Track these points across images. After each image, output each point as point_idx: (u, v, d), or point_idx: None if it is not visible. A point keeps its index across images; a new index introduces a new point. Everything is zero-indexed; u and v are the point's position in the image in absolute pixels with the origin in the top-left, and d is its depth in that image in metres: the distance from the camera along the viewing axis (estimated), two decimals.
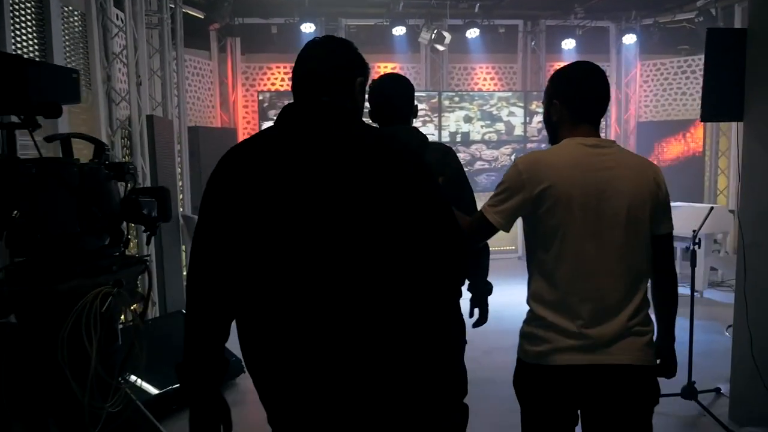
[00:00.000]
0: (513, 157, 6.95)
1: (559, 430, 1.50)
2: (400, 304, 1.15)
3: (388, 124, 1.94)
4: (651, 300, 1.54)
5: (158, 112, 5.07)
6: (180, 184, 5.58)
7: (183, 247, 5.43)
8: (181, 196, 5.60)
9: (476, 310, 2.12)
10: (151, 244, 4.00)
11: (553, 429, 1.50)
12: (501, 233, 1.52)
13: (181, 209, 5.61)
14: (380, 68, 6.94)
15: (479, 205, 1.62)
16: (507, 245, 6.98)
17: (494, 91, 6.97)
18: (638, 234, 1.46)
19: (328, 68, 1.24)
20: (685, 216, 5.27)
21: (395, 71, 7.12)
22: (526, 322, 1.52)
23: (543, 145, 6.99)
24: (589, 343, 1.42)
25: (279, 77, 6.75)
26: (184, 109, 5.53)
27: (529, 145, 6.98)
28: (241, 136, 6.74)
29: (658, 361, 1.54)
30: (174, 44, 5.41)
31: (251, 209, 1.13)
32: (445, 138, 6.76)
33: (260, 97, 6.43)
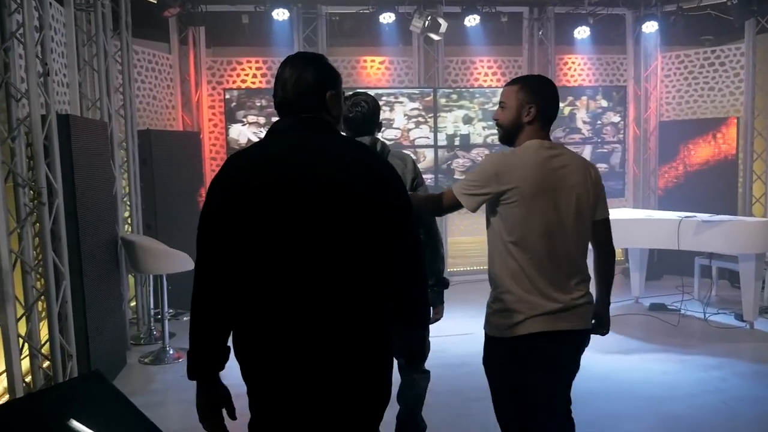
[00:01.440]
0: None
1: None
2: (366, 290, 1.37)
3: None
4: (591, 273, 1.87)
5: (93, 113, 4.18)
6: (126, 198, 4.69)
7: (130, 277, 4.53)
8: (127, 213, 4.70)
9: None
10: (65, 284, 3.13)
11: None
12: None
13: (128, 228, 4.71)
14: (366, 63, 6.08)
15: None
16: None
17: (497, 87, 6.12)
18: (584, 220, 1.79)
19: (297, 95, 1.41)
20: (728, 232, 4.48)
21: (384, 65, 6.31)
22: (495, 300, 1.77)
23: None
24: (557, 309, 1.71)
25: (250, 73, 5.89)
26: (133, 110, 4.65)
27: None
28: (207, 140, 5.87)
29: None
30: (118, 33, 4.53)
31: (246, 210, 1.32)
32: (442, 141, 5.90)
33: (227, 96, 5.55)
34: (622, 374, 3.66)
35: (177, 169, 5.18)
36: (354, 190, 1.33)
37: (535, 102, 1.75)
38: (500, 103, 1.83)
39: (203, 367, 1.35)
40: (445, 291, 2.40)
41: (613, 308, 5.05)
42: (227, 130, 5.58)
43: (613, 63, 6.51)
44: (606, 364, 3.81)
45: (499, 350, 1.75)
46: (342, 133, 1.44)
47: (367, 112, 2.26)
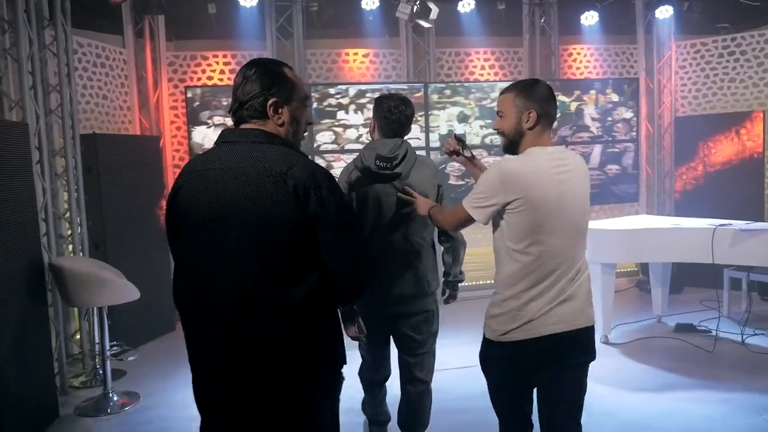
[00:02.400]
0: None
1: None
2: (264, 313, 1.36)
3: None
4: None
5: (17, 115, 3.50)
6: (67, 213, 3.99)
7: (57, 311, 3.83)
8: (70, 231, 4.01)
9: (447, 291, 2.49)
10: None
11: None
12: None
13: (70, 249, 4.01)
14: (348, 56, 5.43)
15: None
16: None
17: (495, 81, 5.48)
18: (585, 225, 1.83)
19: (240, 104, 1.42)
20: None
21: (368, 59, 5.66)
22: (496, 304, 1.78)
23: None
24: (557, 317, 1.73)
25: (217, 69, 5.22)
26: (73, 111, 3.96)
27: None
28: (170, 146, 5.18)
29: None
30: (52, 21, 3.86)
31: (172, 224, 1.47)
32: (435, 142, 5.25)
33: (188, 94, 4.87)
34: (659, 421, 3.00)
35: (132, 178, 4.50)
36: (247, 210, 1.34)
37: (533, 106, 1.73)
38: (498, 112, 1.82)
39: None
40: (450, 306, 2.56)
41: (634, 329, 4.49)
42: (190, 133, 4.90)
43: (622, 54, 5.89)
44: (637, 406, 3.15)
45: (496, 353, 1.79)
46: (282, 145, 1.41)
47: (409, 115, 2.28)
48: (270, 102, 1.39)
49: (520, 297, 1.71)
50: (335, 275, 1.38)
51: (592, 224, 4.27)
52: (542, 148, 1.73)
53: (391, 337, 2.38)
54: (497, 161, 1.74)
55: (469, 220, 1.80)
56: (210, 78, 5.19)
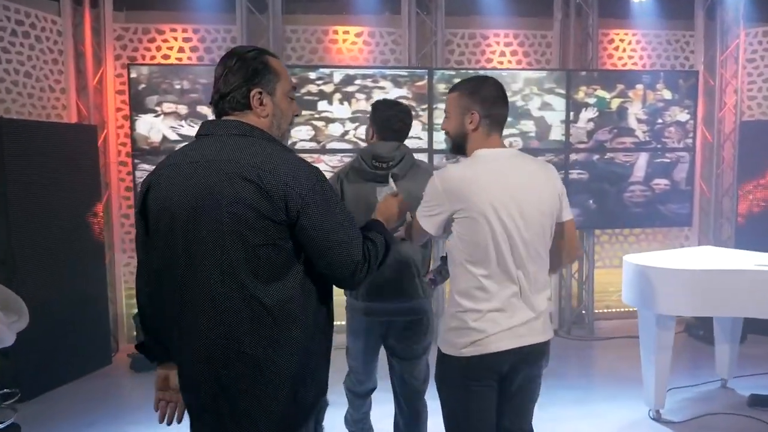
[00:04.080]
0: None
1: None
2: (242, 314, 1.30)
3: None
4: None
5: None
6: None
7: None
8: None
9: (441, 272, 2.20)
10: None
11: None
12: None
13: None
14: (337, 34, 4.43)
15: None
16: None
17: (518, 69, 4.43)
18: (544, 232, 1.70)
19: (221, 96, 1.38)
20: None
21: (361, 38, 4.62)
22: (452, 317, 1.69)
23: (596, 156, 4.40)
24: (517, 325, 1.67)
25: (176, 46, 4.26)
26: None
27: (573, 156, 4.39)
28: (114, 138, 4.24)
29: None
30: None
31: (147, 223, 1.41)
32: (440, 143, 4.22)
33: (132, 74, 3.92)
34: None
35: (55, 177, 3.58)
36: (217, 207, 1.29)
37: (475, 107, 1.67)
38: (445, 112, 1.77)
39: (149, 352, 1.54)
40: None
41: (693, 397, 3.48)
42: (132, 122, 3.94)
43: (676, 42, 4.80)
44: None
45: (453, 368, 1.70)
46: (261, 139, 1.35)
47: (410, 124, 2.27)
48: (253, 92, 1.36)
49: (475, 310, 1.66)
50: (327, 269, 1.34)
51: (638, 258, 3.21)
52: (489, 152, 1.67)
53: (383, 345, 2.34)
54: (438, 170, 1.71)
55: (423, 231, 1.72)
56: (167, 57, 4.24)
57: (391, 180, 1.84)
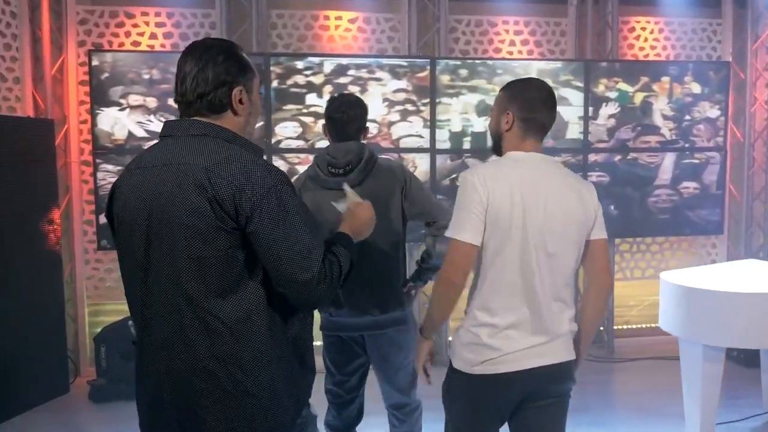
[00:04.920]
0: None
1: None
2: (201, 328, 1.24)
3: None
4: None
5: None
6: None
7: None
8: None
9: (418, 280, 2.24)
10: None
11: None
12: None
13: None
14: (329, 20, 3.98)
15: None
16: None
17: (529, 59, 3.98)
18: (576, 242, 1.61)
19: (202, 91, 1.27)
20: None
21: (356, 25, 3.84)
22: (467, 329, 1.60)
23: (618, 157, 3.95)
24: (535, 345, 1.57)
25: (147, 32, 3.80)
26: None
27: (592, 157, 3.94)
28: (77, 134, 3.76)
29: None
30: None
31: (114, 230, 1.35)
32: (444, 142, 3.76)
33: (94, 62, 3.44)
34: None
35: (7, 178, 3.13)
36: (170, 215, 1.22)
37: (511, 108, 1.62)
38: (491, 109, 1.74)
39: None
40: None
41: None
42: (94, 116, 3.46)
43: (702, 32, 4.36)
44: None
45: (463, 385, 1.63)
46: (224, 140, 1.27)
47: (353, 115, 2.10)
48: (235, 91, 1.28)
49: (498, 324, 1.57)
50: (280, 286, 1.23)
51: (679, 277, 2.74)
52: (521, 153, 1.61)
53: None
54: (461, 178, 1.61)
55: (468, 252, 1.54)
56: (137, 44, 3.77)
57: (346, 187, 1.63)
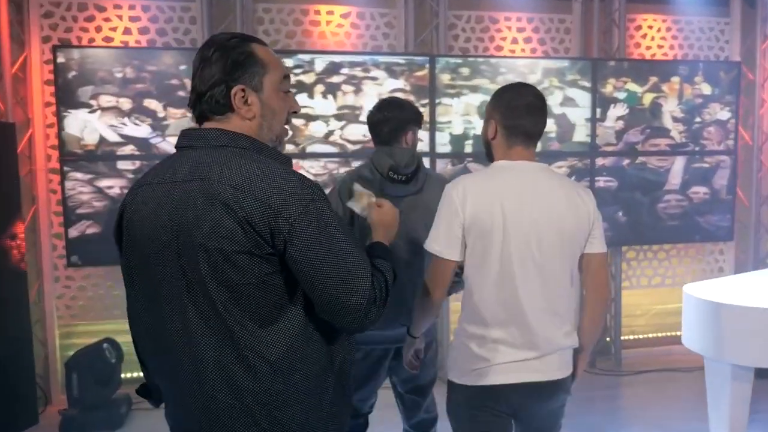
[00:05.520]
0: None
1: None
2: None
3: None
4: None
5: None
6: None
7: None
8: None
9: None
10: None
11: None
12: None
13: None
14: (320, 15, 3.70)
15: None
16: None
17: (533, 57, 3.76)
18: (570, 253, 1.58)
19: (200, 90, 1.18)
20: None
21: (349, 20, 3.58)
22: (460, 341, 1.59)
23: (626, 161, 3.75)
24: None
25: (120, 27, 3.47)
26: None
27: (600, 161, 3.73)
28: (42, 139, 3.42)
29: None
30: None
31: (122, 249, 1.24)
32: (444, 146, 3.51)
33: (60, 59, 3.11)
34: None
35: None
36: (194, 238, 1.09)
37: (495, 115, 1.58)
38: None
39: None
40: None
41: None
42: (60, 119, 3.13)
43: (710, 30, 4.19)
44: None
45: (458, 396, 1.65)
46: (245, 149, 1.16)
47: (391, 118, 2.01)
48: (234, 90, 1.16)
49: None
50: (325, 313, 1.11)
51: (705, 290, 2.54)
52: (510, 162, 1.56)
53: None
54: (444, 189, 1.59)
55: (444, 267, 1.55)
56: (109, 40, 3.44)
57: (357, 187, 1.52)
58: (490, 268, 1.50)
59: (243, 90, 1.16)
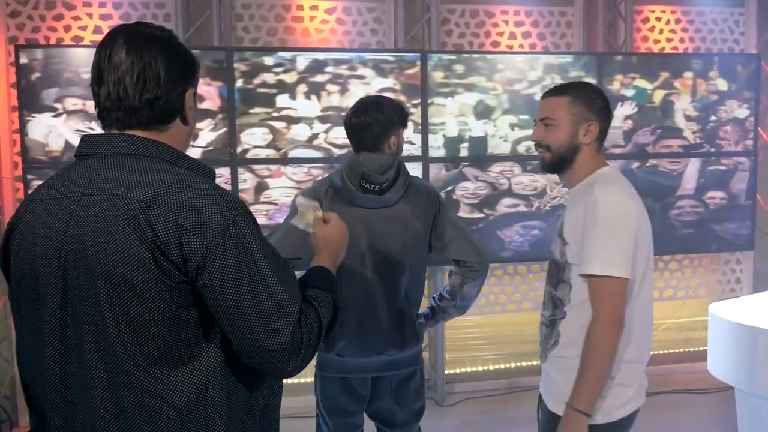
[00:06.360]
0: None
1: None
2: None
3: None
4: None
5: None
6: None
7: None
8: None
9: (432, 316, 1.99)
10: None
11: None
12: None
13: None
14: (303, 10, 3.48)
15: None
16: None
17: (536, 53, 3.50)
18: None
19: (151, 96, 1.01)
20: None
21: (334, 15, 3.20)
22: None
23: (635, 164, 3.48)
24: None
25: (90, 26, 3.26)
26: None
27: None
28: (9, 147, 3.21)
29: None
30: None
31: (13, 271, 1.07)
32: (437, 150, 3.26)
33: (22, 59, 2.91)
34: None
35: None
36: (96, 262, 0.94)
37: (595, 118, 1.49)
38: (544, 119, 1.52)
39: None
40: None
41: None
42: (23, 124, 2.92)
43: (723, 22, 3.91)
44: None
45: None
46: (163, 160, 1.01)
47: (371, 122, 1.79)
48: (188, 94, 1.05)
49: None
50: (242, 354, 0.97)
51: (735, 311, 2.26)
52: (617, 172, 1.56)
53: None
54: (596, 198, 1.40)
55: (627, 289, 1.40)
56: (79, 39, 3.23)
57: (300, 200, 1.34)
58: (646, 286, 1.47)
59: (195, 94, 1.08)
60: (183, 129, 1.07)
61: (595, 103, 1.50)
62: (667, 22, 3.86)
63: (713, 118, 3.55)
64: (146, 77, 0.99)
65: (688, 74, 3.49)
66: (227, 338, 0.98)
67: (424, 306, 2.02)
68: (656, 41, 3.86)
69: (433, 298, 1.99)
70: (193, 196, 0.94)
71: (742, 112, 3.58)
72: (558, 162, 1.51)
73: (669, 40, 3.86)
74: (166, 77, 1.01)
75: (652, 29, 3.85)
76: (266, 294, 0.94)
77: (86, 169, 1.00)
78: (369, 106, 1.80)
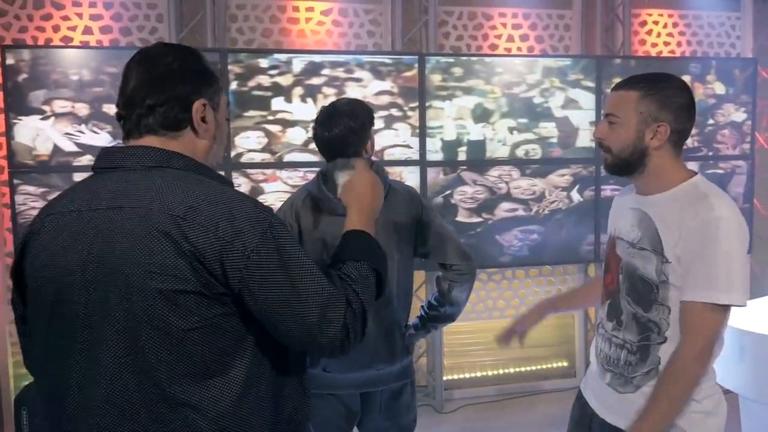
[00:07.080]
0: (577, 192, 3.39)
1: None
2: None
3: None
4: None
5: None
6: None
7: None
8: None
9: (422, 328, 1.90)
10: None
11: None
12: None
13: None
14: (299, 12, 3.42)
15: None
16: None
17: (531, 56, 3.47)
18: None
19: (153, 103, 1.02)
20: None
21: (330, 17, 3.13)
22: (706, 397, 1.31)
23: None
24: None
25: (80, 26, 3.18)
26: None
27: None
28: None
29: None
30: None
31: (27, 285, 1.05)
32: (435, 153, 3.22)
33: (8, 60, 2.82)
34: None
35: None
36: (127, 276, 0.92)
37: (667, 118, 1.29)
38: (608, 115, 1.35)
39: None
40: None
41: None
42: (9, 127, 2.84)
43: (720, 26, 3.91)
44: None
45: None
46: (189, 170, 1.01)
47: (338, 136, 1.67)
48: (196, 105, 1.03)
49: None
50: (295, 347, 1.00)
51: (744, 318, 2.23)
52: (705, 179, 1.35)
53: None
54: (718, 214, 1.22)
55: (728, 319, 1.26)
56: (68, 40, 3.15)
57: (337, 175, 1.36)
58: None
59: (204, 105, 1.05)
60: (197, 141, 1.05)
61: (671, 101, 1.29)
62: (665, 26, 3.85)
63: (711, 121, 3.54)
64: (151, 82, 1.01)
65: (686, 78, 3.46)
66: (259, 348, 0.98)
67: (413, 316, 1.96)
68: (654, 44, 3.85)
69: (422, 307, 1.91)
70: (227, 205, 0.94)
71: (740, 116, 3.58)
72: (621, 165, 1.33)
73: (666, 43, 3.86)
74: (170, 83, 1.02)
75: (649, 33, 3.84)
76: (315, 290, 0.95)
77: (109, 182, 0.99)
78: (340, 114, 1.67)
